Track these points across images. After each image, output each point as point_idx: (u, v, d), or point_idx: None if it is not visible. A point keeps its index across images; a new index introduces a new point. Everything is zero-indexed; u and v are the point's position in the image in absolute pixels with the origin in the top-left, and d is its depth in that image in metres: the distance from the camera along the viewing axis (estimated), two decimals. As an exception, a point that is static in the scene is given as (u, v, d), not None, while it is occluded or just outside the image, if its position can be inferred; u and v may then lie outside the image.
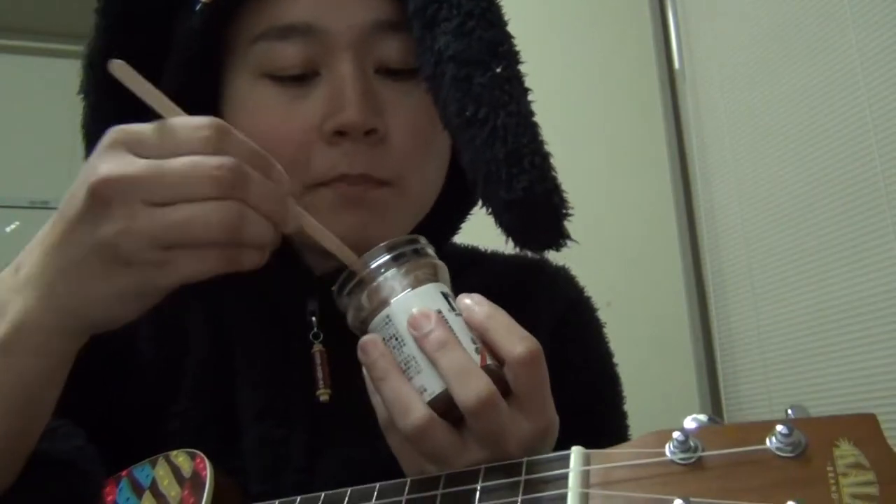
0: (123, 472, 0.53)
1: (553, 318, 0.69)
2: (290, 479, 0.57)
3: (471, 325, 0.45)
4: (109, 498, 0.51)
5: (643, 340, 1.85)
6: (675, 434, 0.36)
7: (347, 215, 0.58)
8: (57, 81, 2.97)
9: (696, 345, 1.99)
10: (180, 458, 0.51)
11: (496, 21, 0.56)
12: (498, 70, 0.54)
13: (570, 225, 0.58)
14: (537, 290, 0.70)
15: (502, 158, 0.52)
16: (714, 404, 1.95)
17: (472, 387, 0.41)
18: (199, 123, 0.44)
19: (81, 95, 0.62)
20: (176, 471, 0.50)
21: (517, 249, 0.56)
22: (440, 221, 0.65)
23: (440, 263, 0.48)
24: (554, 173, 0.53)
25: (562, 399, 0.47)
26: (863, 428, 0.34)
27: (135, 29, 0.60)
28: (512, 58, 0.56)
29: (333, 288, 0.48)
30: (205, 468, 0.49)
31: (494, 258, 0.73)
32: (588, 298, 0.74)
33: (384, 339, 0.45)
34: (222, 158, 0.43)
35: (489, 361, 0.44)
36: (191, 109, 0.49)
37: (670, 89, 2.16)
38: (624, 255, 1.95)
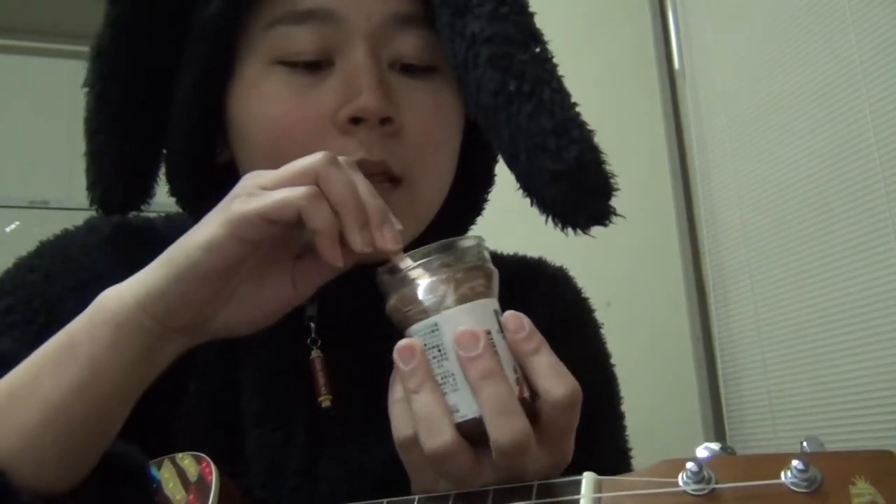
0: None
1: (550, 318, 0.68)
2: (290, 483, 0.57)
3: (514, 352, 0.43)
4: None
5: (643, 340, 1.85)
6: (689, 464, 0.36)
7: None
8: (57, 81, 2.96)
9: (696, 345, 1.99)
10: (186, 460, 0.50)
11: (526, 8, 0.57)
12: (537, 50, 0.55)
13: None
14: (535, 291, 0.69)
15: (550, 130, 0.52)
16: (714, 404, 1.95)
17: (510, 427, 0.40)
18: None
19: (86, 89, 0.61)
20: (181, 474, 0.50)
21: (559, 228, 0.55)
22: (444, 229, 0.65)
23: (494, 270, 0.47)
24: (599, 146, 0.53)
25: None
26: (879, 465, 0.33)
27: (147, 17, 0.59)
28: (545, 41, 0.56)
29: (380, 268, 0.47)
30: (210, 472, 0.48)
31: (493, 258, 0.73)
32: (585, 299, 0.73)
33: (426, 346, 0.43)
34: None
35: (526, 394, 0.43)
36: (204, 99, 0.58)
37: (670, 89, 2.17)
38: (624, 254, 1.95)
